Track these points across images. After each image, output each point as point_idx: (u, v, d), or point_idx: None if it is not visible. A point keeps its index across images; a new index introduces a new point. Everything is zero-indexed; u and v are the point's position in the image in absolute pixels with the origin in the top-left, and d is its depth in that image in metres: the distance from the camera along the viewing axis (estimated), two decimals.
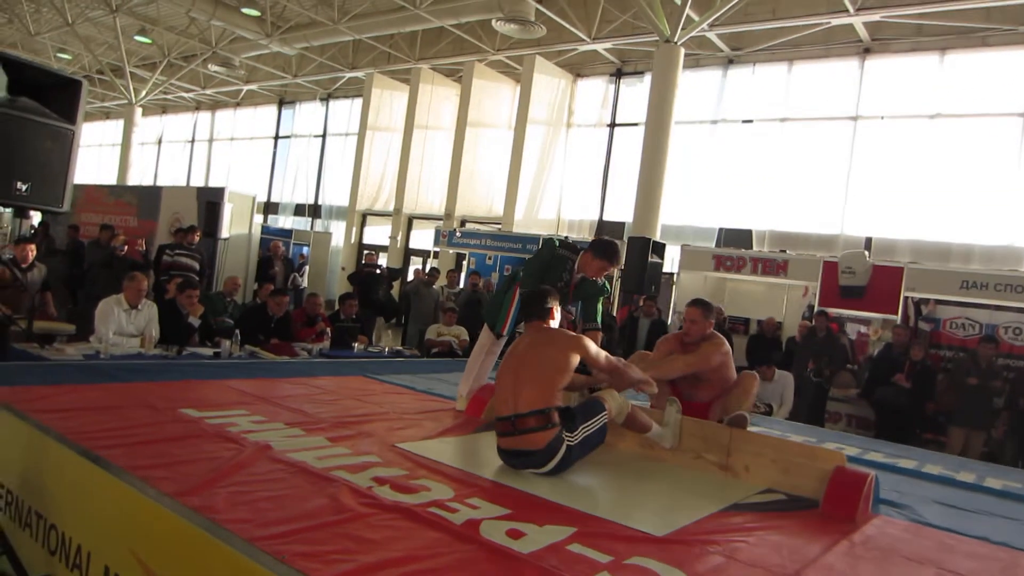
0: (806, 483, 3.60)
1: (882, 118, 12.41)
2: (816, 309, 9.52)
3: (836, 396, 8.90)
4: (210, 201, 10.79)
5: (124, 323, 5.81)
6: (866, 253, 9.94)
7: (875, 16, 11.30)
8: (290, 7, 16.01)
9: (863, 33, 12.01)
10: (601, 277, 4.85)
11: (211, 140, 25.08)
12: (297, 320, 7.41)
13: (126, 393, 4.15)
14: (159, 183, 24.53)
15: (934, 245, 11.53)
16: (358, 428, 3.98)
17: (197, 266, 9.07)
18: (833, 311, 9.54)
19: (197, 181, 24.36)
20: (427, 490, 3.00)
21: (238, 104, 23.96)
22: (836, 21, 11.71)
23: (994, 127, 11.49)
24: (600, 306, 4.91)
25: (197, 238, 9.37)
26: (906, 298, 9.04)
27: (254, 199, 12.86)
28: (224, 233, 10.59)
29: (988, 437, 7.66)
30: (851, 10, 11.13)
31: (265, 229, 14.75)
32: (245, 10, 15.93)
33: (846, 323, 9.91)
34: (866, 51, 12.44)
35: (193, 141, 25.74)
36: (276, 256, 11.92)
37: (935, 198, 11.80)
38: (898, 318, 8.99)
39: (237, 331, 6.32)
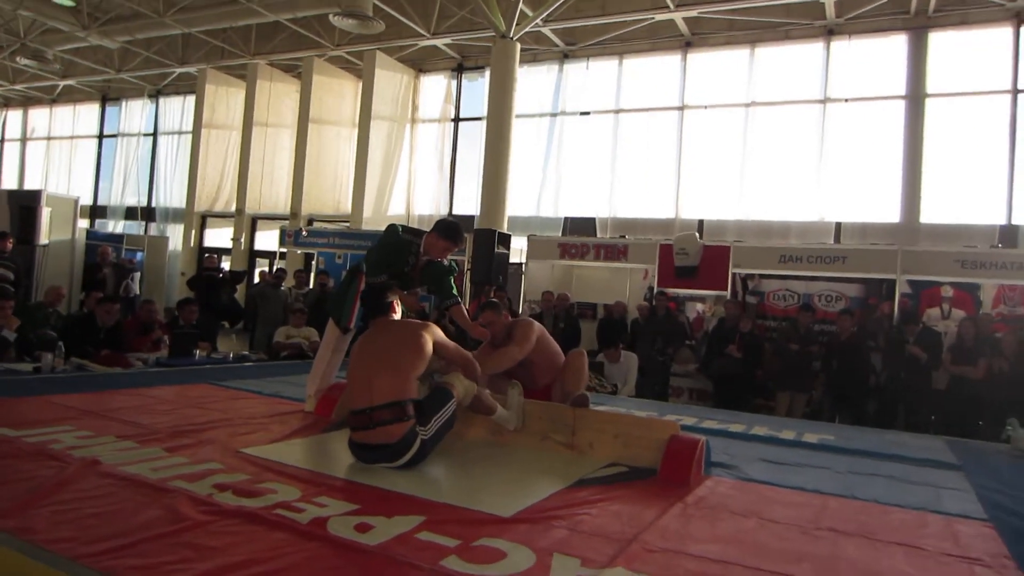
0: (645, 453, 3.82)
1: (705, 107, 13.27)
2: (656, 290, 10.06)
3: (677, 371, 9.45)
4: (24, 206, 9.90)
5: None
6: (696, 235, 10.61)
7: (693, 12, 12.10)
8: None
9: (684, 28, 12.79)
10: (446, 257, 4.90)
11: (24, 139, 22.86)
12: (130, 329, 6.97)
13: None
14: None
15: (757, 224, 12.49)
16: (198, 436, 3.81)
17: (11, 276, 8.30)
18: (672, 291, 10.12)
19: (9, 184, 22.14)
20: (273, 492, 2.93)
21: (54, 101, 21.96)
22: (659, 16, 12.39)
23: (800, 112, 12.60)
24: (452, 282, 4.95)
25: (10, 246, 8.59)
26: (734, 274, 9.74)
27: (76, 202, 11.93)
28: (42, 239, 9.76)
29: (809, 398, 8.40)
30: (671, 6, 11.84)
31: (91, 234, 13.67)
32: None
33: (685, 302, 10.54)
34: (687, 45, 13.24)
35: (2, 141, 23.35)
36: (105, 262, 11.09)
37: (755, 180, 12.79)
38: (728, 293, 9.68)
39: (61, 343, 5.85)
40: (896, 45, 11.94)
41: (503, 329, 4.74)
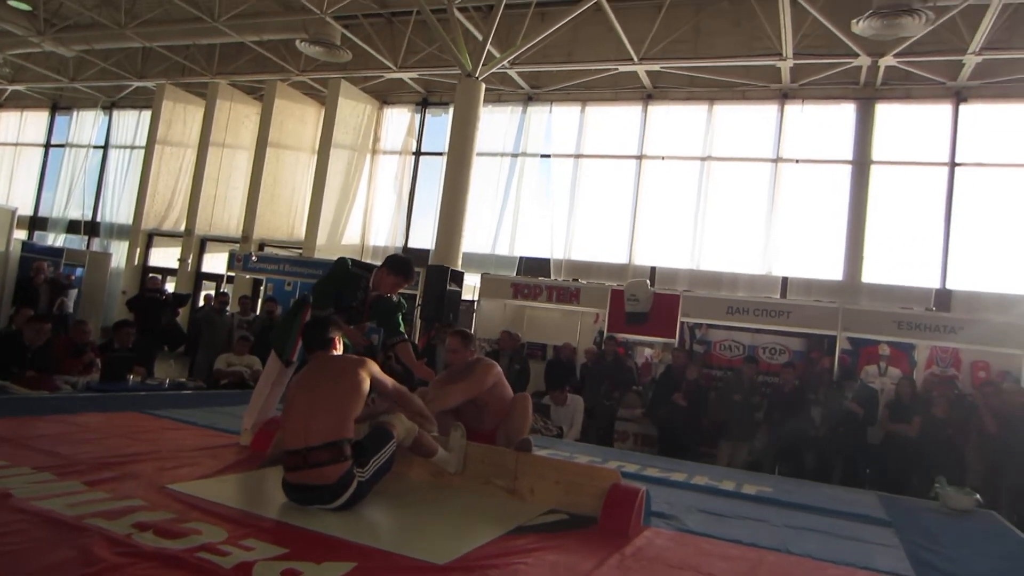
0: (586, 501, 3.78)
1: (663, 158, 13.53)
2: (605, 335, 10.11)
3: (624, 416, 9.47)
4: None
5: None
6: (648, 282, 10.73)
7: (655, 66, 12.41)
8: (68, 4, 14.55)
9: (646, 81, 13.10)
10: (396, 293, 4.85)
11: None
12: (60, 349, 6.70)
13: None
14: None
15: (707, 274, 12.71)
16: (122, 469, 3.64)
17: None
18: (621, 336, 10.18)
19: None
20: (197, 533, 2.80)
21: (1, 106, 21.36)
22: (623, 68, 12.66)
23: (752, 170, 12.97)
24: (400, 319, 4.89)
25: None
26: (682, 323, 9.86)
27: (13, 212, 11.53)
28: None
29: (751, 447, 8.50)
30: (635, 59, 12.12)
31: (28, 247, 13.15)
32: (13, 3, 14.27)
33: (634, 347, 10.61)
34: (648, 97, 13.56)
35: None
36: (39, 277, 10.68)
37: (708, 231, 13.03)
38: (676, 341, 9.77)
39: None
40: (845, 113, 12.45)
41: (463, 362, 4.69)
